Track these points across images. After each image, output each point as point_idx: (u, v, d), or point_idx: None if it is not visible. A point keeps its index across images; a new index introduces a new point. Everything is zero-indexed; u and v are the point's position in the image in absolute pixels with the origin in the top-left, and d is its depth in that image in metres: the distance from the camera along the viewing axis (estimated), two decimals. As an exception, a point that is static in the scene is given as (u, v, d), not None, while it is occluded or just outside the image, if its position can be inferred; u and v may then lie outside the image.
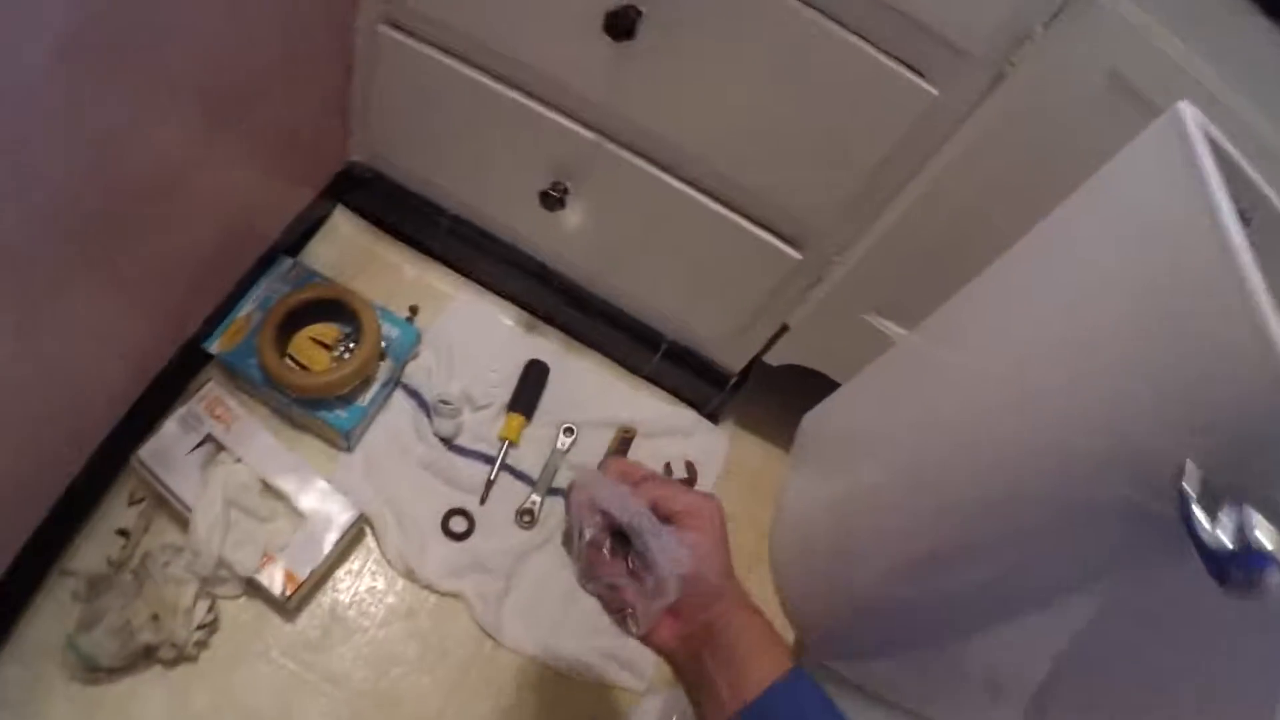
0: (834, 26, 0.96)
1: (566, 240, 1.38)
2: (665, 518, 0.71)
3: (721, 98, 1.09)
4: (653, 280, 1.39)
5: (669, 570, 0.69)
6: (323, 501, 1.28)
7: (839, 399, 1.05)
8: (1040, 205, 0.84)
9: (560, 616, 1.34)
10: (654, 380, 1.54)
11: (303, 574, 1.24)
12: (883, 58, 0.97)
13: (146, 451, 1.27)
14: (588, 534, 0.71)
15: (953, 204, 1.09)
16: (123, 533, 1.27)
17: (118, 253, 1.04)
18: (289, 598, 1.23)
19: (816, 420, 1.05)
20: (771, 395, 1.50)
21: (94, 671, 1.16)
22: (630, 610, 0.70)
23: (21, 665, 1.18)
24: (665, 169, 1.20)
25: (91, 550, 1.25)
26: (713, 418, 1.55)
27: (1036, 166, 0.99)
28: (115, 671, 1.18)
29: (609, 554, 0.72)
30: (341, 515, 1.28)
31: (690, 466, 1.48)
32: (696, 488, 1.44)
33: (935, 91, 0.98)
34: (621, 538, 0.71)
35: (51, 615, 1.20)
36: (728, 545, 0.74)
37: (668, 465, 1.47)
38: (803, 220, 1.18)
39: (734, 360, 1.45)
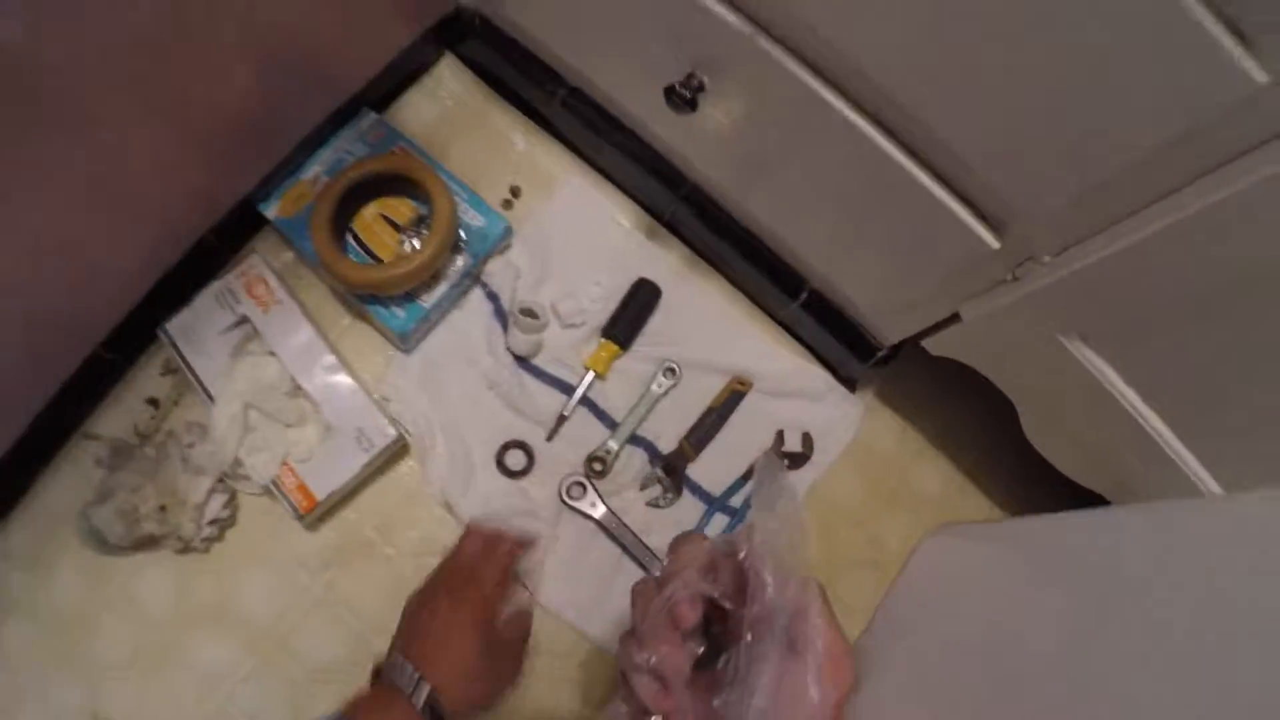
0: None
1: (701, 145, 1.08)
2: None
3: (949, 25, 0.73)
4: (803, 222, 1.08)
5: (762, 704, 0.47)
6: (359, 415, 1.10)
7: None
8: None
9: (598, 593, 1.14)
10: (786, 327, 1.25)
11: (320, 493, 1.08)
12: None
13: (176, 325, 1.12)
14: (682, 591, 0.52)
15: (1232, 249, 0.71)
16: (152, 402, 1.16)
17: (171, 78, 0.87)
18: (302, 516, 1.07)
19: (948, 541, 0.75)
20: (928, 375, 1.20)
21: (103, 545, 1.09)
22: None
23: (36, 525, 1.13)
24: (841, 93, 0.86)
25: (119, 416, 1.16)
26: (849, 385, 1.25)
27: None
28: (124, 549, 1.09)
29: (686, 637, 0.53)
30: (376, 435, 1.10)
31: (807, 440, 1.20)
32: (811, 463, 1.19)
33: (1261, 77, 0.59)
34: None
35: (71, 478, 1.14)
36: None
37: (780, 434, 1.20)
38: (1013, 204, 0.84)
39: (888, 333, 1.13)
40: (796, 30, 0.85)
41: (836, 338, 1.18)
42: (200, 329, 1.11)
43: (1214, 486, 0.91)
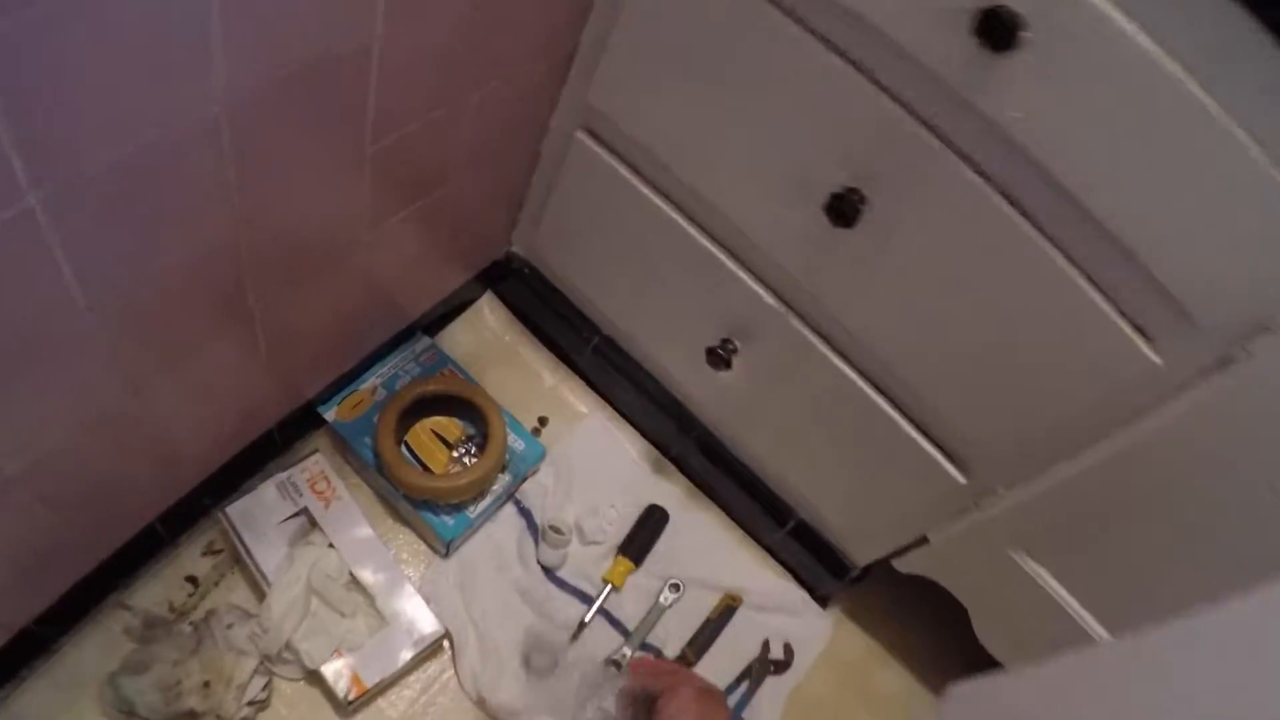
0: (1061, 260, 0.86)
1: (718, 396, 1.30)
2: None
3: (925, 307, 1.00)
4: (799, 460, 1.30)
5: None
6: (409, 609, 1.20)
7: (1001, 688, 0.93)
8: (1254, 510, 0.73)
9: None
10: (771, 551, 1.44)
11: (370, 680, 1.16)
12: (1104, 304, 0.87)
13: (236, 510, 1.21)
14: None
15: (1144, 476, 0.97)
16: (192, 580, 1.20)
17: (262, 310, 0.99)
18: (350, 702, 1.15)
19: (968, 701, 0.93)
20: (887, 591, 1.41)
21: (129, 717, 1.10)
22: None
23: (56, 688, 1.12)
24: (846, 359, 1.12)
25: (155, 590, 1.19)
26: (822, 601, 1.44)
27: (1252, 464, 0.87)
28: None
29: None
30: (425, 628, 1.20)
31: (788, 649, 1.37)
32: (791, 669, 1.35)
33: (1157, 360, 0.87)
34: None
35: (97, 646, 1.14)
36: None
37: (766, 643, 1.36)
38: (976, 446, 1.08)
39: (861, 555, 1.34)
40: (822, 315, 1.10)
41: (816, 559, 1.38)
42: (260, 516, 1.20)
43: None
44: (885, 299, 1.02)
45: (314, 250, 1.00)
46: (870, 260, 0.99)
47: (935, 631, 1.44)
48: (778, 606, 1.40)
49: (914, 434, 1.12)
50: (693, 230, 1.14)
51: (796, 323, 1.12)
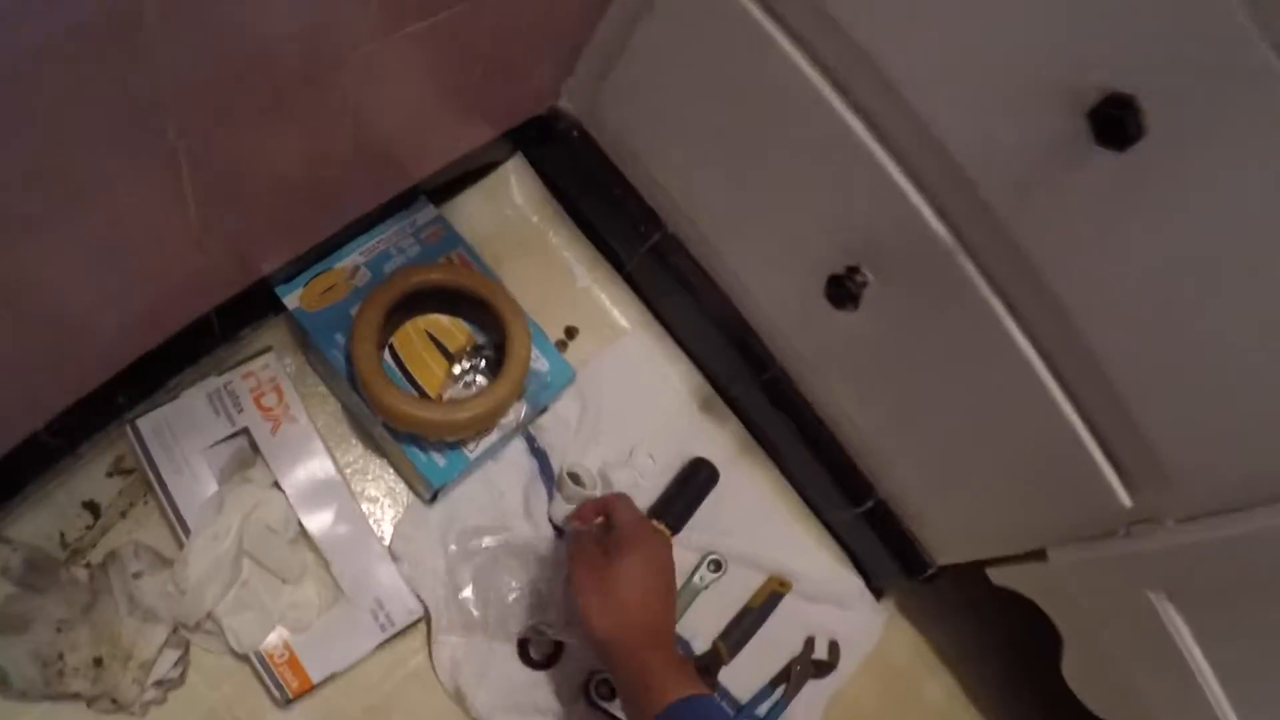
0: None
1: (818, 336, 0.98)
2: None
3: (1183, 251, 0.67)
4: (908, 433, 1.00)
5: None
6: (377, 579, 0.90)
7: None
8: None
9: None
10: (833, 530, 1.16)
11: (318, 674, 0.87)
12: None
13: (150, 423, 0.88)
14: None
15: None
16: (92, 507, 0.90)
17: (190, 151, 0.64)
18: (290, 701, 0.85)
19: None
20: (949, 590, 1.16)
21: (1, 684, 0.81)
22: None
23: None
24: (1022, 324, 0.80)
25: (42, 518, 0.88)
26: (877, 593, 1.18)
27: None
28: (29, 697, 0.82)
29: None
30: (397, 608, 0.90)
31: (834, 648, 1.10)
32: (834, 674, 1.09)
33: None
34: None
35: None
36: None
37: (810, 641, 1.09)
38: (1168, 467, 0.79)
39: (950, 554, 1.07)
40: (1010, 261, 0.77)
41: (886, 548, 1.10)
42: (183, 435, 0.88)
43: None
44: (1132, 250, 0.69)
45: (279, 65, 0.64)
46: (1136, 187, 0.65)
47: (994, 645, 1.25)
48: (829, 597, 1.13)
49: (1084, 434, 0.82)
50: (841, 106, 0.78)
51: (967, 263, 0.79)
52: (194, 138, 0.62)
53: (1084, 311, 0.75)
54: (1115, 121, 0.59)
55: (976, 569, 1.05)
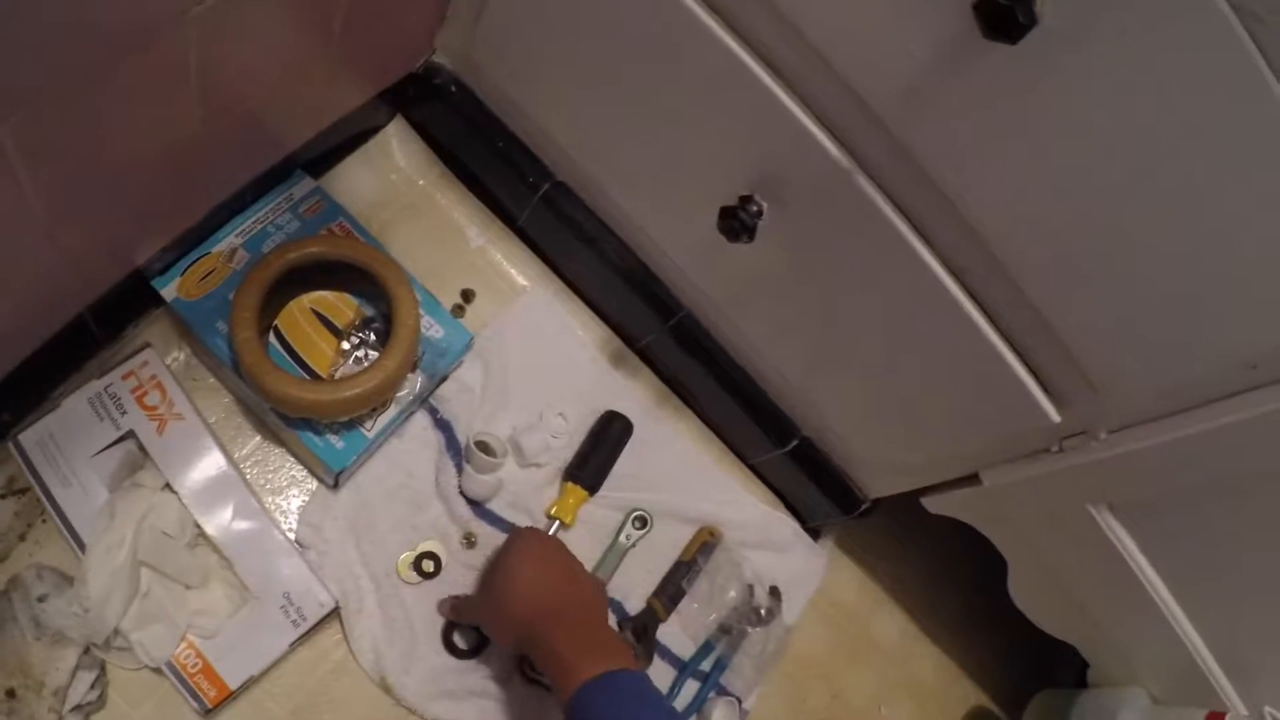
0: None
1: (720, 273, 0.94)
2: None
3: (1084, 145, 0.64)
4: (824, 368, 0.97)
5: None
6: (284, 573, 0.86)
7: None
8: None
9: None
10: (758, 473, 1.13)
11: (234, 680, 0.82)
12: None
13: (32, 436, 0.83)
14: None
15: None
16: None
17: (15, 136, 0.58)
18: (210, 710, 0.81)
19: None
20: (884, 523, 1.16)
21: None
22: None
23: None
24: (928, 242, 0.77)
25: None
26: (813, 534, 1.15)
27: None
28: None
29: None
30: (308, 601, 0.86)
31: (775, 592, 1.08)
32: (778, 620, 1.06)
33: None
34: None
35: None
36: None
37: (750, 589, 1.06)
38: (1094, 377, 0.77)
39: (881, 487, 1.05)
40: (909, 175, 0.73)
41: (815, 486, 1.08)
42: (67, 445, 0.82)
43: (1201, 646, 0.96)
44: (1032, 149, 0.65)
45: (102, 31, 0.58)
46: (1032, 81, 0.62)
47: (935, 572, 1.26)
48: (764, 542, 1.10)
49: (1005, 352, 0.80)
50: (722, 31, 0.74)
51: (866, 184, 0.75)
52: (18, 120, 0.57)
53: (988, 221, 0.72)
54: (1005, 11, 0.55)
55: (913, 500, 1.03)
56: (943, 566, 1.25)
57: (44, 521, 0.84)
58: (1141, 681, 1.06)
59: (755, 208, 0.82)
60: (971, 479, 0.97)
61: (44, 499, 0.81)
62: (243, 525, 0.85)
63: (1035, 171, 0.66)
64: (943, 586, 1.25)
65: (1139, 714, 1.04)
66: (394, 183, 1.03)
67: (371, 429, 0.90)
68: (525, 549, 0.88)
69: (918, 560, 1.24)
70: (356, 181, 1.01)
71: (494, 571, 0.88)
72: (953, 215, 0.73)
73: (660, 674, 1.02)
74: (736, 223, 0.82)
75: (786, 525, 1.13)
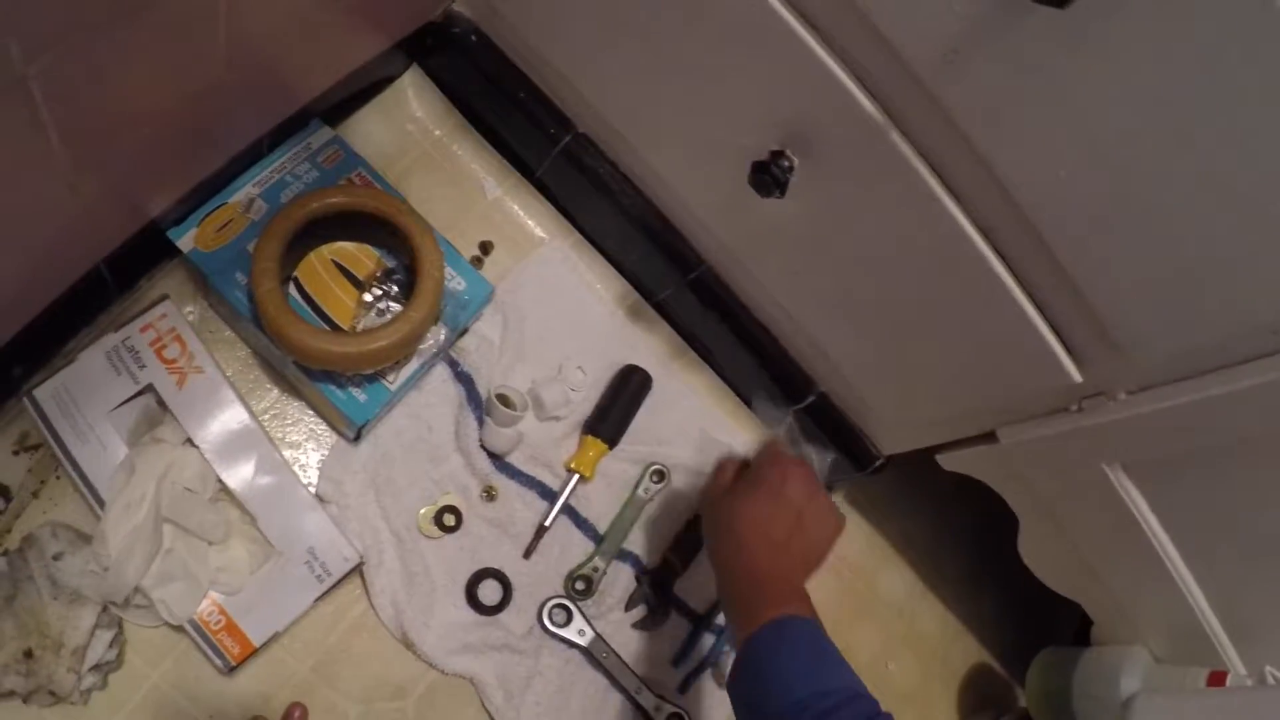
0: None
1: (746, 228, 0.93)
2: None
3: (1126, 111, 0.63)
4: (845, 324, 0.96)
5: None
6: (308, 528, 0.85)
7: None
8: None
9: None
10: (774, 428, 1.13)
11: (258, 637, 0.82)
12: None
13: (48, 391, 0.81)
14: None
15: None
16: (1, 490, 0.82)
17: (44, 82, 0.55)
18: (234, 667, 0.81)
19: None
20: (904, 483, 1.17)
21: None
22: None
23: None
24: (959, 199, 0.76)
25: None
26: (825, 488, 1.16)
27: None
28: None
29: None
30: (333, 559, 0.85)
31: (786, 548, 1.09)
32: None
33: None
34: None
35: None
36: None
37: (762, 543, 1.07)
38: (1117, 337, 0.77)
39: (896, 443, 1.05)
40: (944, 133, 0.72)
41: (829, 440, 1.08)
42: (84, 400, 0.81)
43: (1205, 606, 0.98)
44: (1073, 113, 0.64)
45: None
46: (1077, 45, 0.60)
47: (954, 535, 1.28)
48: (777, 496, 1.11)
49: (1030, 310, 0.80)
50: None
51: (899, 140, 0.74)
52: (49, 59, 0.55)
53: (1021, 181, 0.71)
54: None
55: (926, 457, 1.04)
56: (949, 524, 1.26)
57: (58, 478, 0.83)
58: (1144, 640, 1.08)
59: (787, 163, 0.81)
60: (988, 436, 0.97)
61: (60, 455, 0.80)
62: (265, 480, 0.84)
63: (1074, 134, 0.65)
64: (949, 544, 1.26)
65: (1141, 672, 1.06)
66: (410, 133, 1.00)
67: (394, 382, 0.89)
68: (810, 479, 0.93)
69: (925, 518, 1.25)
70: (374, 131, 0.99)
71: (762, 486, 0.90)
72: (986, 174, 0.72)
73: (676, 628, 1.03)
74: (769, 177, 0.81)
75: (799, 481, 1.13)
